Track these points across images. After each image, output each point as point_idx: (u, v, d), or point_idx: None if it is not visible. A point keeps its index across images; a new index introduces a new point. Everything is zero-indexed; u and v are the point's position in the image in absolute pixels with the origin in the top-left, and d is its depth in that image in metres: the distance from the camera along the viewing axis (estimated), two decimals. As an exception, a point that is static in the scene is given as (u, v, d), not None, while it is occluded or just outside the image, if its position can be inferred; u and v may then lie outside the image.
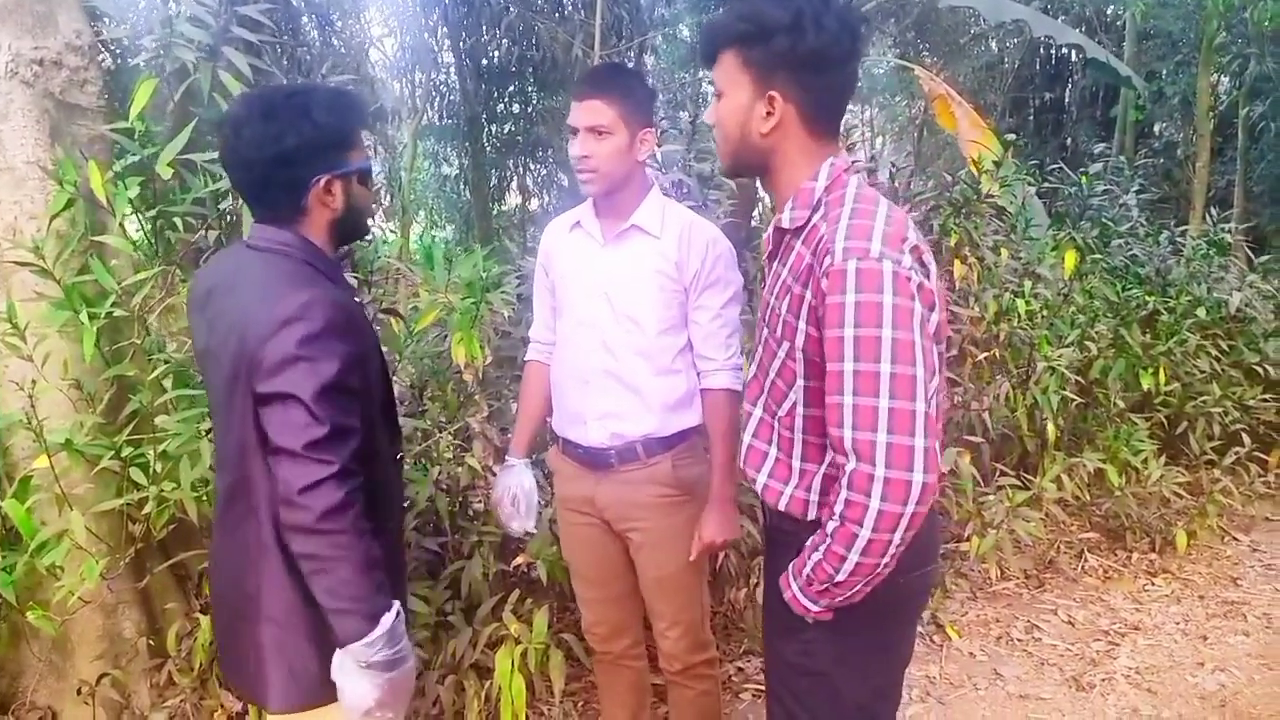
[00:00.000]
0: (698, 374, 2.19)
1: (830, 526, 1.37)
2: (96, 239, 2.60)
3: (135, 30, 3.26)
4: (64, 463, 2.44)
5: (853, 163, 1.57)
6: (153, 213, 2.68)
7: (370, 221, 1.76)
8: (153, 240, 2.74)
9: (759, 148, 1.52)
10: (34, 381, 2.35)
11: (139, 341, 2.60)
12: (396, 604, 1.50)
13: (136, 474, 2.48)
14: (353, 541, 1.41)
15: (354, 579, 1.41)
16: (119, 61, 4.56)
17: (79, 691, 2.58)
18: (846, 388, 1.32)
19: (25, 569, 2.37)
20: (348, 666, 1.46)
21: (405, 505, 2.60)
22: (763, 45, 1.45)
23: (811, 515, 1.52)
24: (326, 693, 1.53)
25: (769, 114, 1.48)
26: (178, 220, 2.72)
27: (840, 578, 1.38)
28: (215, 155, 2.70)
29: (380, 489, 1.60)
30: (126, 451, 2.49)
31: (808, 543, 1.46)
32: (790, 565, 1.51)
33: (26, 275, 2.48)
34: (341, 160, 1.58)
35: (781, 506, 1.56)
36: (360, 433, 1.48)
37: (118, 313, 2.52)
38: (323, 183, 1.56)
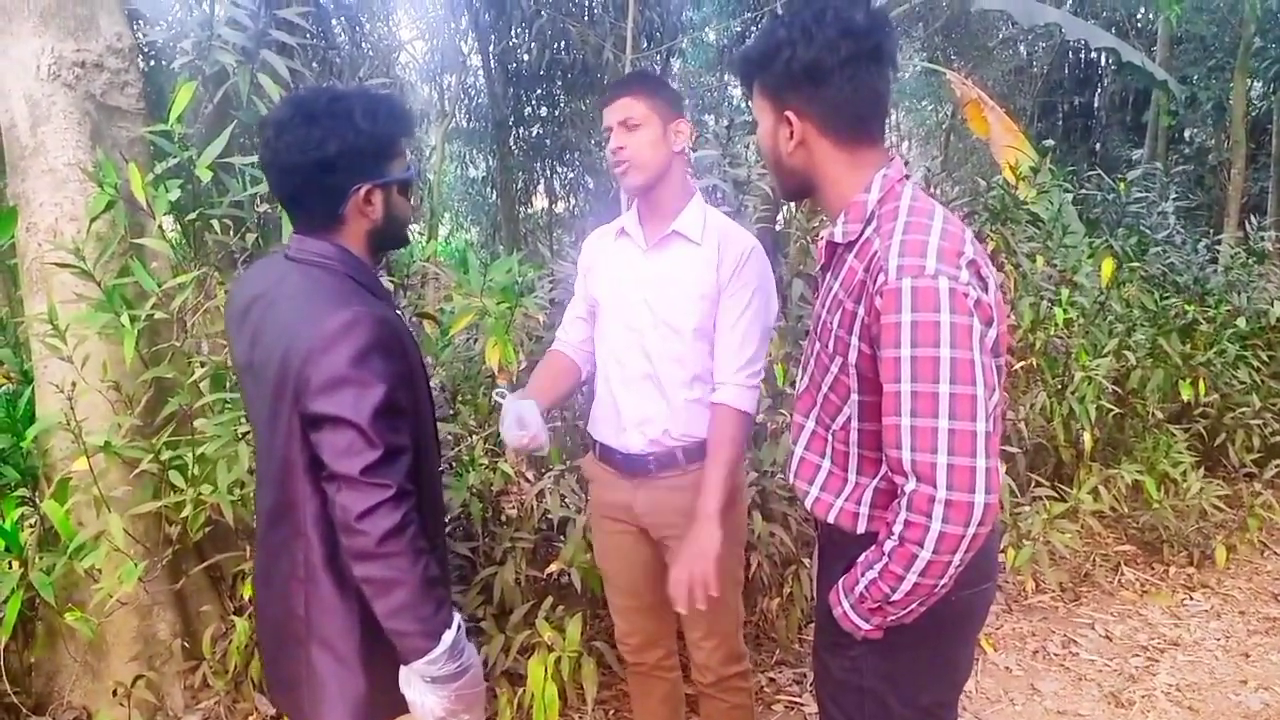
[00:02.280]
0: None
1: (888, 546, 1.34)
2: (136, 241, 2.61)
3: (174, 33, 3.28)
4: (102, 464, 2.45)
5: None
6: (192, 215, 2.68)
7: (409, 231, 1.73)
8: (190, 243, 2.74)
9: (793, 169, 1.51)
10: (74, 383, 2.36)
11: (178, 344, 2.60)
12: (457, 617, 1.48)
13: (174, 476, 2.48)
14: (411, 562, 1.40)
15: (414, 600, 1.40)
16: (154, 63, 4.59)
17: (114, 693, 2.58)
18: (905, 409, 1.29)
19: (63, 570, 2.38)
20: (414, 682, 1.46)
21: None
22: (770, 67, 1.45)
23: (861, 528, 1.49)
24: (381, 712, 1.54)
25: (790, 134, 1.47)
26: (215, 223, 2.73)
27: (896, 597, 1.35)
28: (254, 159, 2.71)
29: (431, 505, 1.58)
30: (165, 454, 2.49)
31: (860, 560, 1.43)
32: (840, 582, 1.48)
33: (67, 276, 2.49)
34: (383, 169, 1.54)
35: (831, 519, 1.54)
36: (411, 451, 1.45)
37: (158, 315, 2.52)
38: (363, 192, 1.52)
